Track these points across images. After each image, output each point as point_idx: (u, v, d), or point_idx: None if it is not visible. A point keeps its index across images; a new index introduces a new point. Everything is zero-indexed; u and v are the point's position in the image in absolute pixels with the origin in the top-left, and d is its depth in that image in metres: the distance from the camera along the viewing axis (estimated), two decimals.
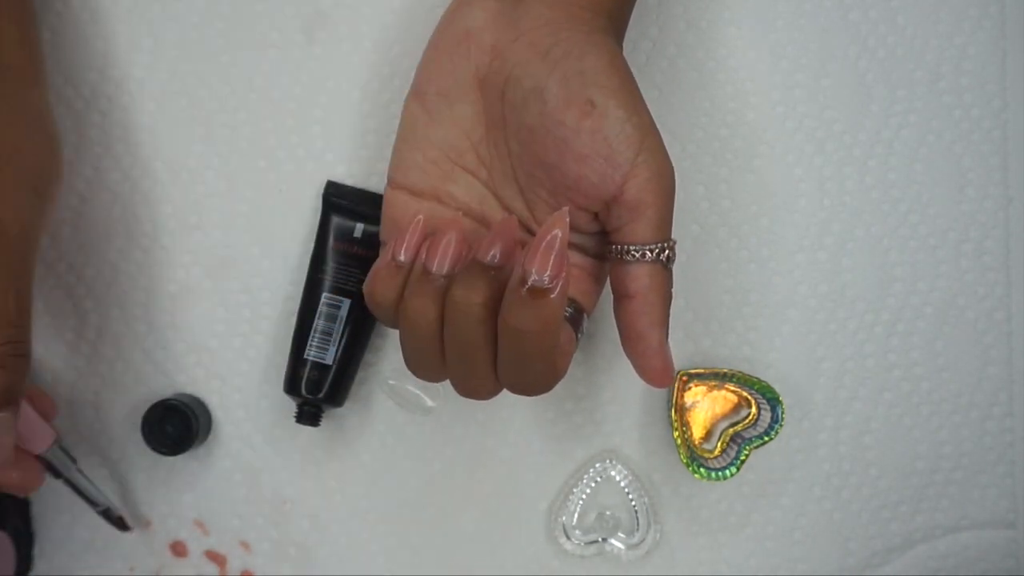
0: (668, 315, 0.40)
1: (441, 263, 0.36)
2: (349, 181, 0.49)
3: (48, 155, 0.43)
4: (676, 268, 0.49)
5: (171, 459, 0.50)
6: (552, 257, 0.33)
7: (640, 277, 0.39)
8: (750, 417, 0.49)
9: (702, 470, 0.48)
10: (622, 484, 0.50)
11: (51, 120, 0.44)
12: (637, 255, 0.39)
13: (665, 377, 0.39)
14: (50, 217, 0.43)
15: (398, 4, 0.49)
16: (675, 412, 0.49)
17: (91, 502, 0.48)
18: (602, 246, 0.41)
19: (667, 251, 0.39)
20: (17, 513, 0.49)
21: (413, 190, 0.42)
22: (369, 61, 0.49)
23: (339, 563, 0.50)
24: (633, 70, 0.39)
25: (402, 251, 0.38)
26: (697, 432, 0.49)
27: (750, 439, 0.48)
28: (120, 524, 0.48)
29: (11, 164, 0.41)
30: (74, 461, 0.47)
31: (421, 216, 0.39)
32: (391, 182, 0.43)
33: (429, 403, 0.50)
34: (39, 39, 0.45)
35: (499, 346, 0.36)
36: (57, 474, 0.46)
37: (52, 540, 0.50)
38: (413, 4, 0.49)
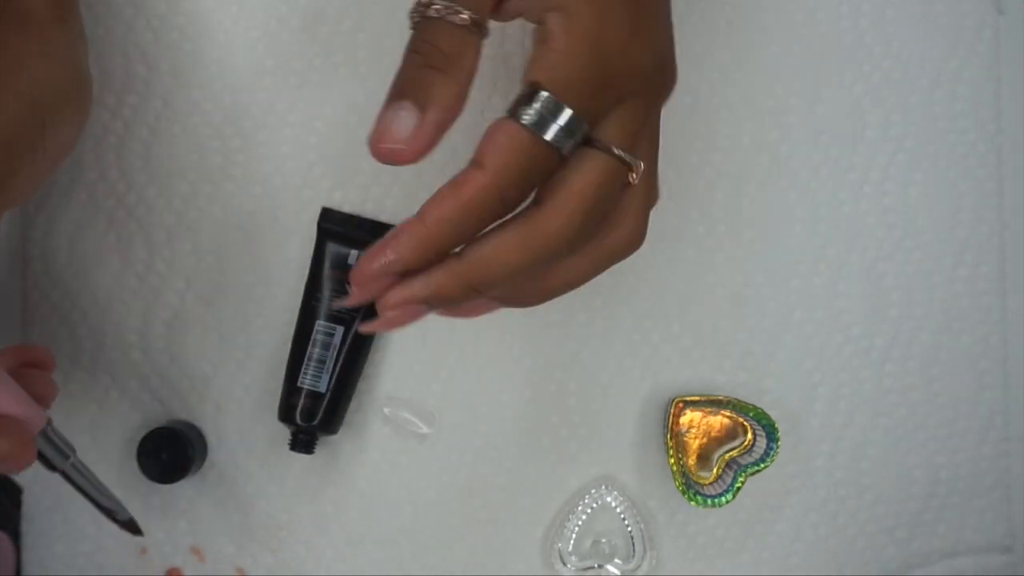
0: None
1: None
2: (345, 208, 0.49)
3: (66, 89, 0.40)
4: (671, 294, 0.50)
5: (167, 486, 0.50)
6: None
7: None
8: (746, 443, 0.49)
9: (698, 497, 0.48)
10: (618, 510, 0.50)
11: (79, 57, 0.41)
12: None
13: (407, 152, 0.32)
14: (68, 150, 0.40)
15: (396, 29, 0.49)
16: (671, 438, 0.49)
17: (93, 501, 0.42)
18: None
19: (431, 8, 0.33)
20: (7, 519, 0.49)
21: None
22: (366, 87, 0.49)
23: None
24: None
25: None
26: (693, 458, 0.49)
27: (746, 466, 0.48)
28: (131, 527, 0.44)
29: (15, 80, 0.37)
30: (72, 452, 0.41)
31: None
32: None
33: (424, 430, 0.50)
34: None
35: None
36: (51, 466, 0.40)
37: (46, 570, 0.50)
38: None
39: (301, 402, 0.47)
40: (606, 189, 0.34)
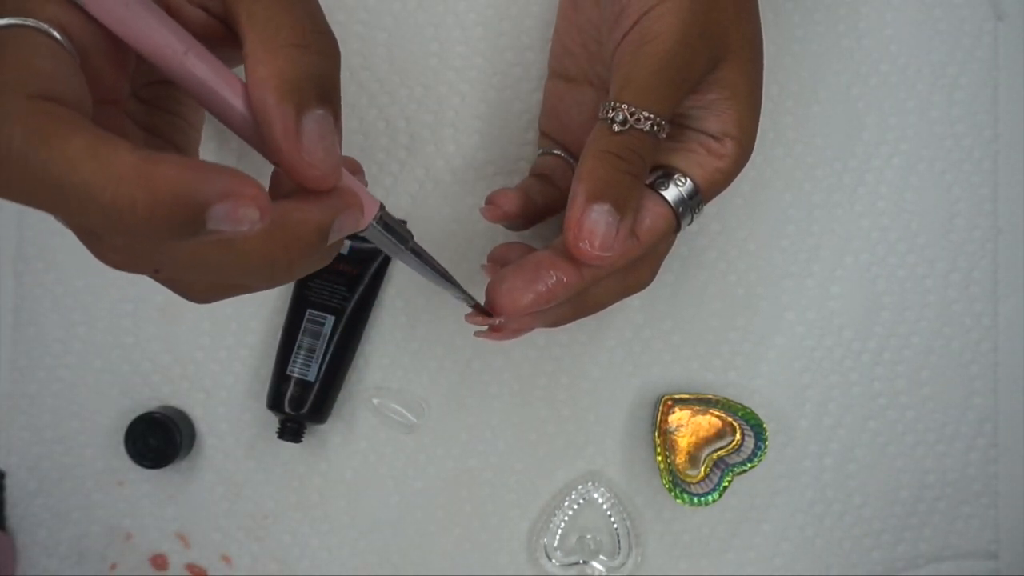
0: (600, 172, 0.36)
1: None
2: None
3: None
4: (663, 290, 0.50)
5: (154, 472, 0.50)
6: None
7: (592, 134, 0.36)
8: (734, 443, 0.48)
9: (684, 495, 0.48)
10: (604, 507, 0.50)
11: None
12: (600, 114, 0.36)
13: (580, 236, 0.35)
14: None
15: (389, 21, 0.49)
16: (659, 436, 0.49)
17: (446, 279, 0.38)
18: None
19: (619, 114, 0.35)
20: None
21: (567, 76, 0.44)
22: (359, 78, 0.49)
23: None
24: None
25: None
26: (681, 456, 0.49)
27: (733, 465, 0.48)
28: (479, 309, 0.39)
29: None
30: (408, 238, 0.36)
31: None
32: (549, 72, 0.46)
33: (412, 421, 0.50)
34: None
35: None
36: (403, 240, 0.35)
37: (29, 554, 0.50)
38: (403, 22, 0.49)
39: (290, 390, 0.47)
40: (667, 238, 0.40)
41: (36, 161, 0.24)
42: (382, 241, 0.35)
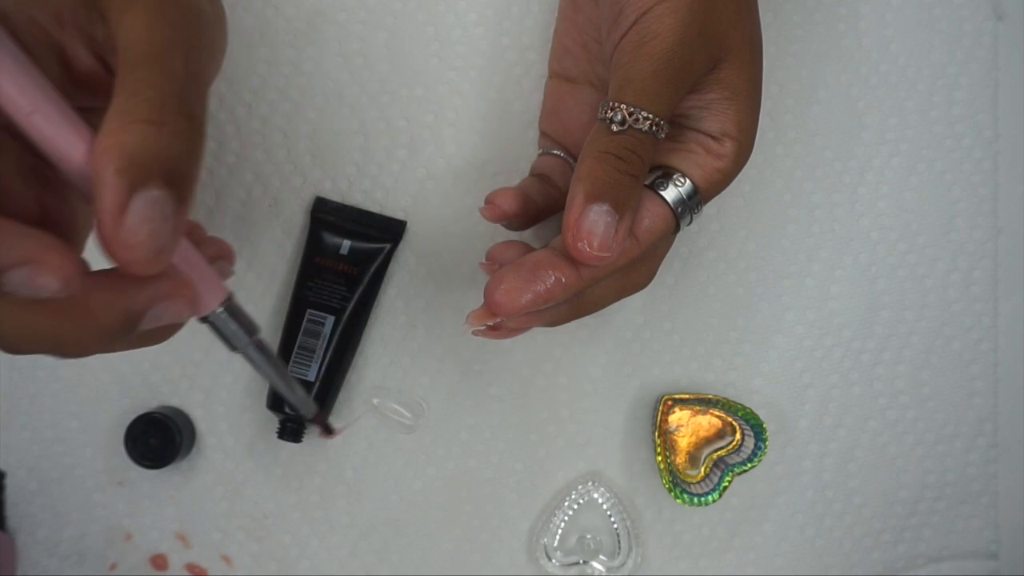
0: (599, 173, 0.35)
1: None
2: (337, 197, 0.49)
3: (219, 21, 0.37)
4: (663, 291, 0.50)
5: (154, 472, 0.50)
6: None
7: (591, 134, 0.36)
8: (734, 443, 0.48)
9: (684, 495, 0.48)
10: (604, 507, 0.50)
11: None
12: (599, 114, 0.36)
13: (579, 236, 0.35)
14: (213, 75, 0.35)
15: (390, 20, 0.49)
16: (659, 436, 0.49)
17: (277, 390, 0.37)
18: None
19: (618, 114, 0.35)
20: None
21: (567, 76, 0.45)
22: (359, 78, 0.49)
23: None
24: None
25: None
26: (681, 456, 0.49)
27: (733, 465, 0.48)
28: (322, 425, 0.40)
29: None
30: (256, 330, 0.34)
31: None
32: (550, 72, 0.46)
33: (412, 421, 0.50)
34: None
35: None
36: (232, 346, 0.34)
37: (29, 554, 0.50)
38: (404, 22, 0.49)
39: None
40: (667, 239, 0.40)
41: None
42: (224, 333, 0.33)
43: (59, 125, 0.28)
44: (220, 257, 0.35)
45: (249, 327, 0.34)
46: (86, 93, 0.32)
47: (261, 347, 0.34)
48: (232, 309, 0.33)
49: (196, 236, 0.35)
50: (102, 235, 0.27)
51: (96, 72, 0.31)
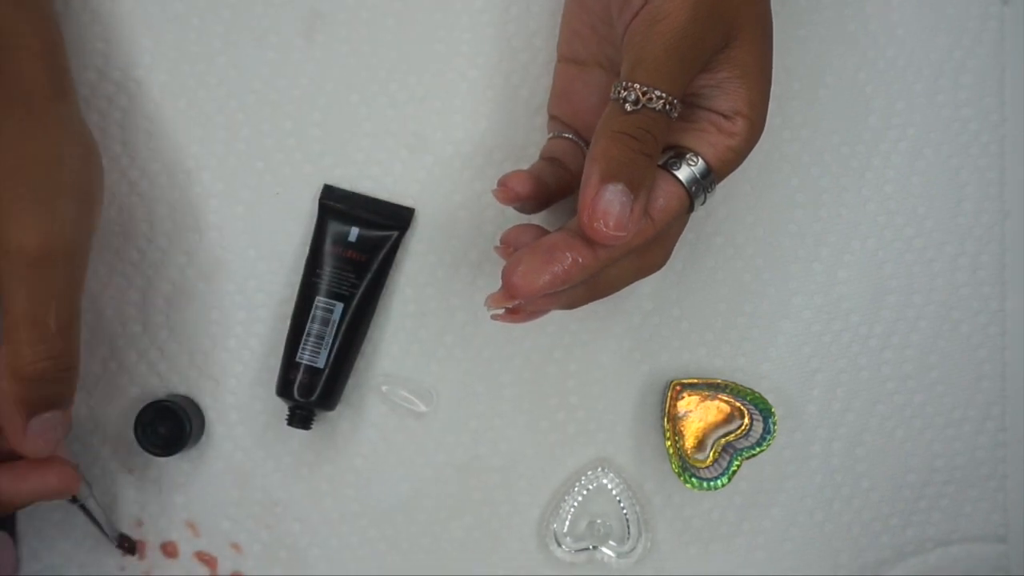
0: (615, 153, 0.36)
1: None
2: (345, 185, 0.49)
3: (88, 164, 0.42)
4: (671, 277, 0.50)
5: (163, 460, 0.50)
6: None
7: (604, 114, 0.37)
8: (742, 428, 0.48)
9: (693, 480, 0.48)
10: (614, 492, 0.50)
11: (86, 130, 0.43)
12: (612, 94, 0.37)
13: (595, 216, 0.35)
14: (96, 223, 0.42)
15: (397, 7, 0.49)
16: (668, 421, 0.49)
17: (103, 531, 0.48)
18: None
19: (631, 93, 0.35)
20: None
21: (576, 59, 0.45)
22: (367, 64, 0.49)
23: (329, 566, 0.50)
24: None
25: None
26: (689, 441, 0.49)
27: (742, 450, 0.48)
28: (123, 545, 0.49)
29: (51, 177, 0.40)
30: (89, 486, 0.47)
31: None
32: (558, 56, 0.46)
33: (421, 408, 0.50)
34: (63, 46, 0.44)
35: None
36: (74, 499, 0.47)
37: (42, 540, 0.50)
38: (411, 8, 0.49)
39: (299, 378, 0.47)
40: (681, 218, 0.40)
41: None
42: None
43: None
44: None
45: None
46: None
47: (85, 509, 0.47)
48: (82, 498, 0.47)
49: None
50: (22, 449, 0.41)
51: None
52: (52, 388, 0.41)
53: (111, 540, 0.49)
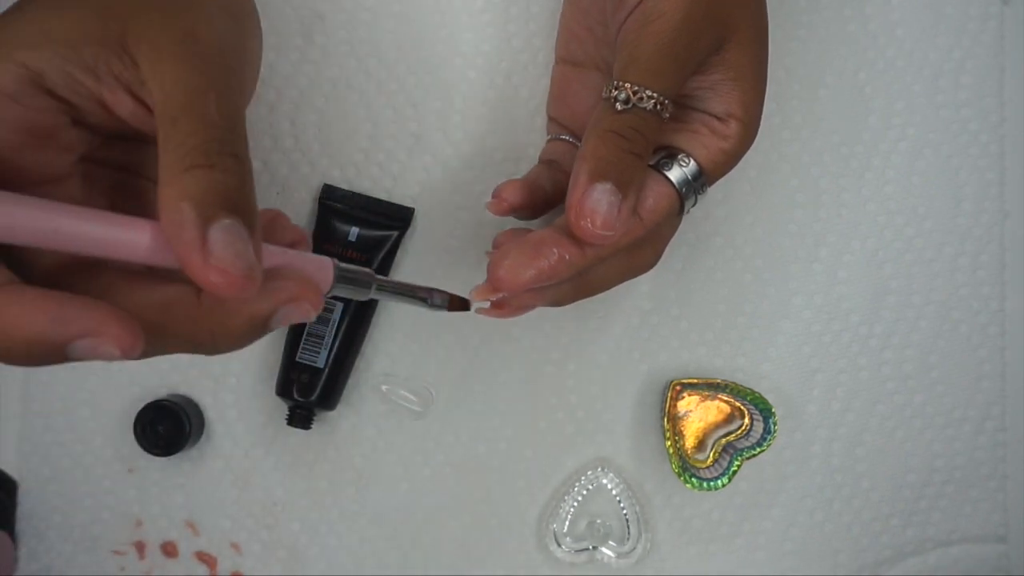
0: (604, 153, 0.36)
1: None
2: (344, 185, 0.49)
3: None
4: (670, 277, 0.50)
5: (163, 459, 0.50)
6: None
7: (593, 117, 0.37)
8: (742, 428, 0.48)
9: (693, 480, 0.48)
10: (614, 492, 0.50)
11: None
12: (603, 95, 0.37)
13: (582, 215, 0.35)
14: (252, 58, 0.37)
15: (396, 8, 0.49)
16: (668, 421, 0.49)
17: (416, 298, 0.39)
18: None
19: (622, 92, 0.35)
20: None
21: (574, 61, 0.45)
22: (366, 65, 0.49)
23: (328, 566, 0.50)
24: None
25: None
26: (689, 442, 0.49)
27: (742, 450, 0.48)
28: (457, 305, 0.40)
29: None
30: (371, 277, 0.37)
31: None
32: (556, 58, 0.46)
33: (421, 408, 0.50)
34: None
35: None
36: (367, 284, 0.37)
37: (41, 540, 0.50)
38: (411, 9, 0.49)
39: (299, 377, 0.47)
40: (672, 220, 0.40)
41: None
42: (350, 295, 0.36)
43: (95, 233, 0.30)
44: (296, 243, 0.36)
45: (364, 278, 0.36)
46: (132, 134, 0.34)
47: (384, 284, 0.37)
48: (344, 274, 0.35)
49: (279, 224, 0.37)
50: (194, 272, 0.29)
51: (138, 113, 0.33)
52: (220, 178, 0.30)
53: (432, 305, 0.39)
